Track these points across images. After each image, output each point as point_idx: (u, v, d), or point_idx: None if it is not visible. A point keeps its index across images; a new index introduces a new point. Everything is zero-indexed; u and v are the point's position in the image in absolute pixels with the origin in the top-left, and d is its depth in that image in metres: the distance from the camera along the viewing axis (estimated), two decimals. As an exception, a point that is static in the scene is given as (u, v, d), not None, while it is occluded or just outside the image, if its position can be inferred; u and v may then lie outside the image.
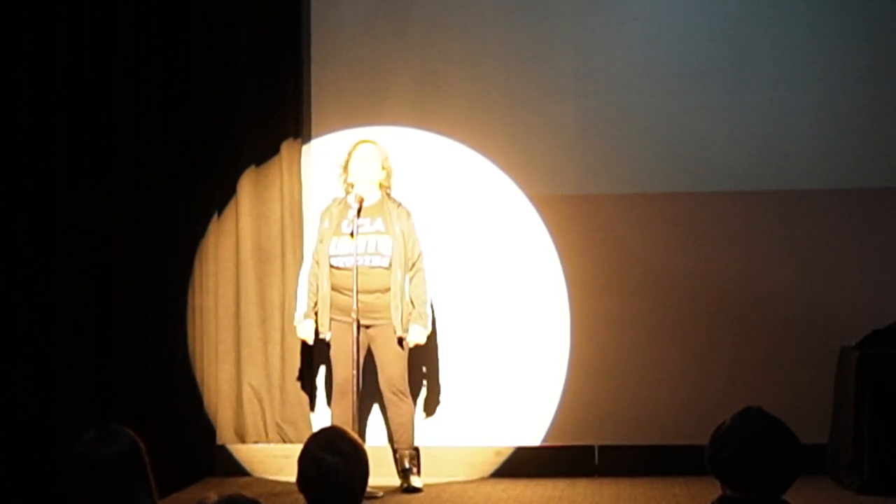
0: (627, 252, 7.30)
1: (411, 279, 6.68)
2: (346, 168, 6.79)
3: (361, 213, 6.61)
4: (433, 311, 6.83)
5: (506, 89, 7.38)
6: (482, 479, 7.12)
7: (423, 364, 7.21)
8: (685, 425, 6.97)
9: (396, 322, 6.58)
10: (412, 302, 6.65)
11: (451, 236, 7.35)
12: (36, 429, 6.61)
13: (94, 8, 6.95)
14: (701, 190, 7.29)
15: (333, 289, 6.62)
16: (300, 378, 7.28)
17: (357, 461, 3.19)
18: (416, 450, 6.78)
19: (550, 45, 7.36)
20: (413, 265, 6.68)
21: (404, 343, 6.65)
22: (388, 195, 6.78)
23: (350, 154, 6.79)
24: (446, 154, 7.39)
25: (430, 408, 7.29)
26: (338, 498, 3.17)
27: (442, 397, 7.31)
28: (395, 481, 6.73)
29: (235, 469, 7.26)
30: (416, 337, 6.65)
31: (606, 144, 7.33)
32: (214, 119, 7.30)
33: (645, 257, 7.30)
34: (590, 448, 7.24)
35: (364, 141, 6.84)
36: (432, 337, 6.94)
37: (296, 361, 7.26)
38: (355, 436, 3.30)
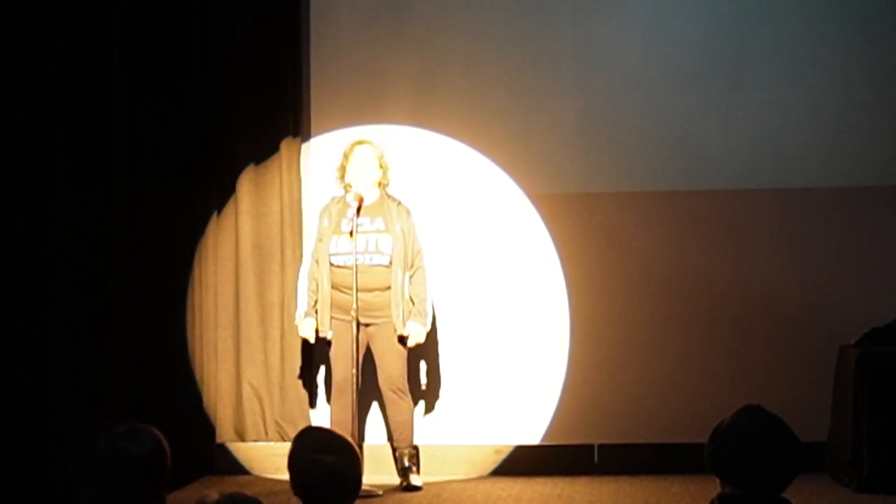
0: (627, 250, 7.30)
1: (411, 277, 6.68)
2: (342, 170, 6.78)
3: (361, 211, 6.61)
4: (433, 310, 6.83)
5: (505, 88, 7.37)
6: (482, 478, 7.12)
7: (422, 362, 7.21)
8: (684, 423, 6.96)
9: (397, 320, 6.59)
10: (412, 300, 6.65)
11: (451, 235, 7.34)
12: (35, 428, 6.61)
13: (91, 7, 6.94)
14: (700, 188, 7.29)
15: (333, 287, 6.62)
16: (300, 376, 7.27)
17: (352, 457, 3.24)
18: (416, 448, 6.78)
19: (550, 44, 7.35)
20: (413, 263, 6.68)
21: (405, 341, 6.65)
22: (387, 193, 6.78)
23: (346, 157, 6.78)
24: (446, 153, 7.39)
25: (429, 406, 7.29)
26: (336, 496, 3.20)
27: (441, 396, 7.31)
28: (395, 480, 6.73)
29: (235, 467, 7.26)
30: (416, 335, 6.65)
31: (606, 143, 7.33)
32: (213, 117, 7.29)
33: (645, 255, 7.30)
34: (589, 446, 7.24)
35: (358, 142, 6.83)
36: (432, 335, 6.95)
37: (295, 360, 7.25)
38: (342, 433, 3.35)
